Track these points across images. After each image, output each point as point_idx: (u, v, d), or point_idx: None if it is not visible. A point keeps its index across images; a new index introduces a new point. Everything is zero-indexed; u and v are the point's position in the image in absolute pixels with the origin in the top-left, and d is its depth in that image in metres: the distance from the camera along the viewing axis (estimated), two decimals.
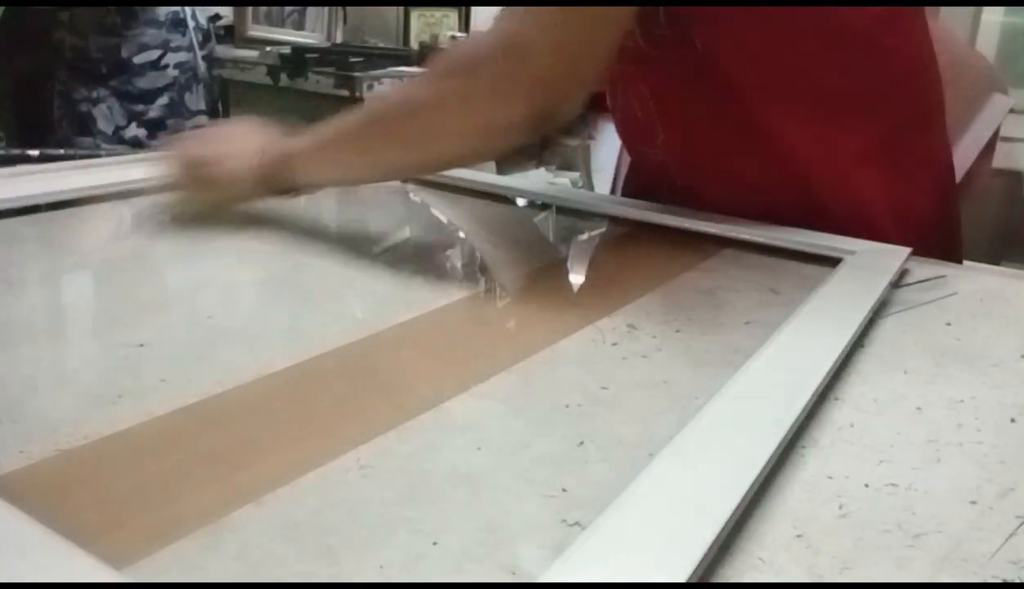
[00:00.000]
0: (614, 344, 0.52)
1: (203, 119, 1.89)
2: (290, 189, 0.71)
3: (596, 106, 0.87)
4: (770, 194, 0.74)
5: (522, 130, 0.60)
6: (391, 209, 0.89)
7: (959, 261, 0.76)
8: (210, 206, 0.74)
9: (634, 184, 0.93)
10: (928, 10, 0.77)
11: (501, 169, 0.94)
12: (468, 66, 0.61)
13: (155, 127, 1.79)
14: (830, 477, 0.38)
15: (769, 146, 0.71)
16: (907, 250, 0.67)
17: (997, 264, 0.74)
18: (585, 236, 0.81)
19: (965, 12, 2.17)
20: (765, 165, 0.73)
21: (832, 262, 0.65)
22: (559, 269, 0.70)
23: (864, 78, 0.71)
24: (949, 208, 0.82)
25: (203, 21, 1.90)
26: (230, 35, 2.25)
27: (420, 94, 0.64)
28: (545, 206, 0.88)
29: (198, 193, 0.74)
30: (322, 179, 0.72)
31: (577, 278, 0.70)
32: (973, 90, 0.96)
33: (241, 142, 0.72)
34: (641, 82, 0.76)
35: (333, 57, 1.94)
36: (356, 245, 0.76)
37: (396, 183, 0.93)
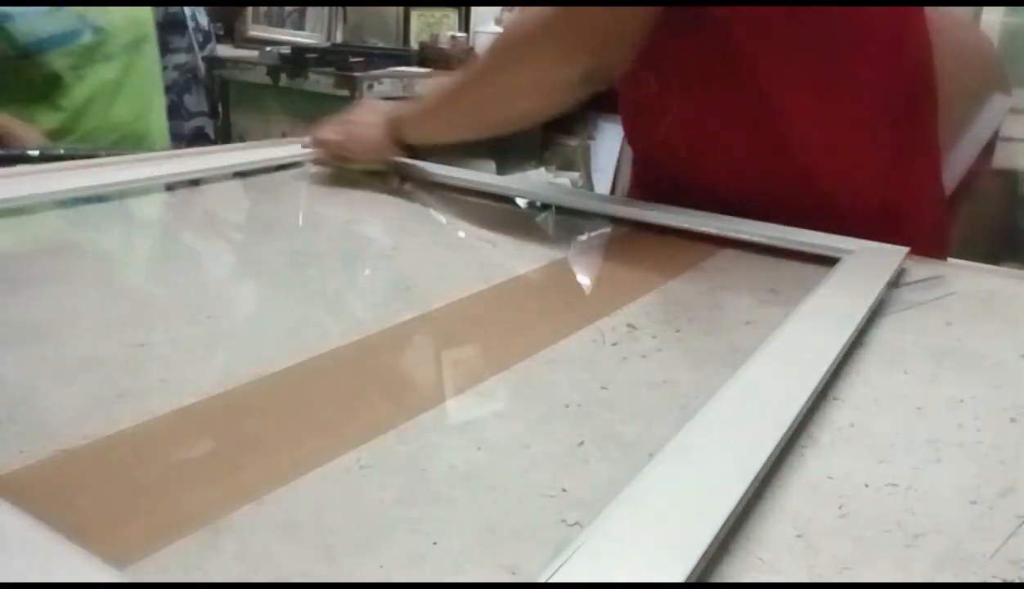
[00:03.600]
0: (614, 344, 0.52)
1: (204, 120, 1.89)
2: (410, 147, 0.87)
3: (596, 106, 0.87)
4: (771, 175, 0.75)
5: (581, 85, 0.71)
6: (391, 209, 0.89)
7: (943, 257, 0.76)
8: (356, 168, 0.91)
9: (642, 179, 0.93)
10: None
11: (501, 169, 0.94)
12: (534, 31, 0.70)
13: None
14: (830, 477, 0.38)
15: (771, 120, 0.74)
16: (905, 250, 0.67)
17: (997, 264, 0.74)
18: (585, 236, 0.81)
19: (965, 12, 2.17)
20: (767, 139, 0.74)
21: (830, 262, 0.65)
22: (559, 269, 0.70)
23: (861, 57, 0.73)
24: (938, 204, 0.83)
25: (204, 22, 1.90)
26: (230, 35, 2.24)
27: (497, 58, 0.75)
28: (545, 206, 0.88)
29: (343, 163, 0.91)
30: (431, 138, 0.86)
31: (577, 278, 0.70)
32: (975, 85, 0.96)
33: (369, 116, 0.89)
34: (652, 56, 0.77)
35: (333, 57, 1.94)
36: (356, 245, 0.76)
37: (395, 183, 0.93)
